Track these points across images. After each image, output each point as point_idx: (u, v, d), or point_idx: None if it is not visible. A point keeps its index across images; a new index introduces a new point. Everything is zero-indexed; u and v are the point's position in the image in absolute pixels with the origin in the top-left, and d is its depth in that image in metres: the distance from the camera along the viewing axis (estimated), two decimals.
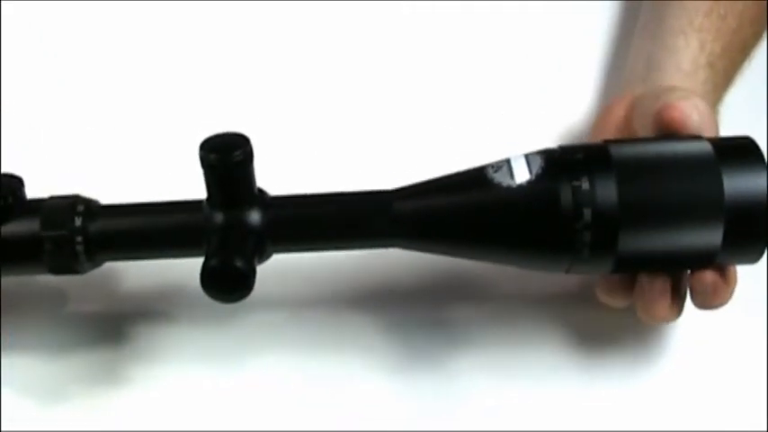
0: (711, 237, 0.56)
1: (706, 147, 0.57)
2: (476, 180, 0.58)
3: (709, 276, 0.58)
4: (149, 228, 0.60)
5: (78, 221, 0.59)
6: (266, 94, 0.72)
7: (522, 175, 0.57)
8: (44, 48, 0.73)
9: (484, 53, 0.72)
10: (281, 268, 0.62)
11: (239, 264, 0.55)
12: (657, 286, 0.59)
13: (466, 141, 0.69)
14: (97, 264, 0.61)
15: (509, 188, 0.57)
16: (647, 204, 0.56)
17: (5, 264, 0.60)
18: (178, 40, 0.73)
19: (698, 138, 0.58)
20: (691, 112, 0.58)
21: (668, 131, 0.58)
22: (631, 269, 0.59)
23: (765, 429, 0.65)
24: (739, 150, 0.57)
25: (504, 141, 0.66)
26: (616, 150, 0.57)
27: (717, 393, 0.66)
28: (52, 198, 0.60)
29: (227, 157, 0.56)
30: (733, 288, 0.59)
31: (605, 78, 0.72)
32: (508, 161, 0.58)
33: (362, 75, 0.72)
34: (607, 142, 0.59)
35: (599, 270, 0.59)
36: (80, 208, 0.59)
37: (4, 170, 0.68)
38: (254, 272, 0.56)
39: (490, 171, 0.58)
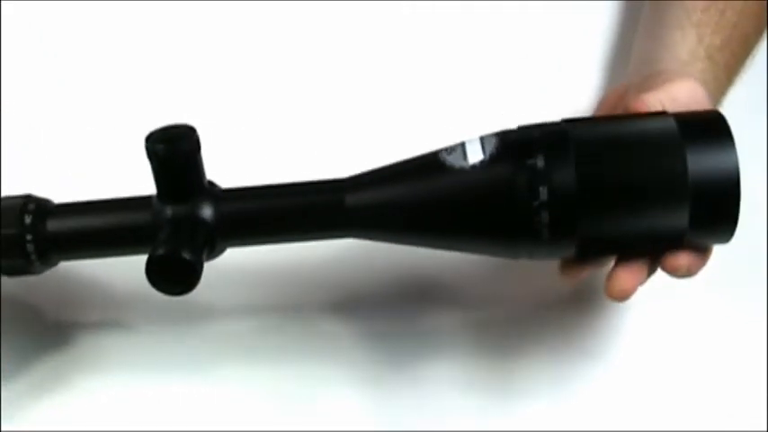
0: (677, 217, 0.54)
1: (669, 123, 0.55)
2: (429, 165, 0.56)
3: (682, 259, 0.55)
4: (99, 226, 0.59)
5: (28, 220, 0.59)
6: (264, 92, 0.72)
7: (475, 155, 0.55)
8: (44, 48, 0.73)
9: (484, 53, 0.72)
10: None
11: (186, 255, 0.54)
12: (633, 270, 0.56)
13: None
14: (50, 264, 0.61)
15: (462, 170, 0.55)
16: (606, 183, 0.54)
17: None
18: (177, 41, 0.73)
19: (662, 114, 0.56)
20: (656, 104, 0.57)
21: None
22: (596, 253, 0.57)
23: (765, 429, 0.65)
24: (706, 125, 0.55)
25: None
26: (574, 128, 0.56)
27: (717, 393, 0.66)
28: (4, 198, 0.60)
29: (173, 147, 0.55)
30: (709, 256, 0.57)
31: (606, 79, 0.72)
32: (462, 144, 0.56)
33: (360, 75, 0.72)
34: (566, 121, 0.57)
35: (562, 254, 0.56)
36: (31, 207, 0.59)
37: (4, 170, 0.68)
38: (201, 264, 0.55)
39: (443, 154, 0.56)
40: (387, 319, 0.66)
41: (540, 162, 0.54)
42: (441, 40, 0.72)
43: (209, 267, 0.56)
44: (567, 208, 0.54)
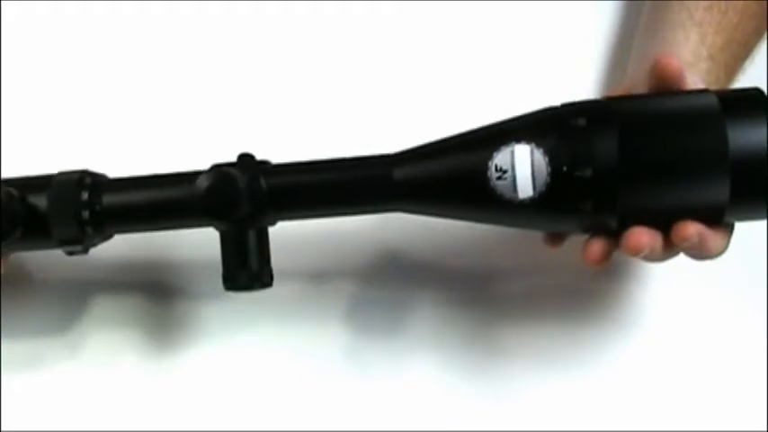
0: (718, 191, 0.54)
1: (711, 99, 0.55)
2: (477, 179, 0.56)
3: (692, 228, 0.55)
4: (153, 200, 0.61)
5: (85, 194, 0.60)
6: (272, 68, 0.72)
7: (525, 189, 0.55)
8: (44, 48, 0.73)
9: (485, 54, 0.72)
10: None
11: (263, 280, 0.59)
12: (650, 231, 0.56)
13: None
14: (105, 236, 0.62)
15: (511, 203, 0.56)
16: (648, 157, 0.54)
17: (15, 238, 0.60)
18: (177, 39, 0.73)
19: (704, 91, 0.57)
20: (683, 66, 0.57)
21: (665, 82, 0.57)
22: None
23: (765, 429, 0.65)
24: (747, 102, 0.55)
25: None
26: (617, 104, 0.56)
27: (716, 393, 0.66)
28: (61, 173, 0.61)
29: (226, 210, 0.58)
30: (728, 235, 0.57)
31: (606, 78, 0.72)
32: (512, 164, 0.56)
33: (362, 80, 0.72)
34: (609, 98, 0.58)
35: (604, 227, 0.57)
36: (87, 181, 0.61)
37: (4, 170, 0.68)
38: (271, 273, 0.60)
39: (493, 174, 0.56)
40: (400, 287, 0.68)
41: (583, 135, 0.55)
42: (441, 42, 0.72)
43: None
44: (610, 181, 0.54)
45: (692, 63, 0.63)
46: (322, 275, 0.69)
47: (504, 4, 0.72)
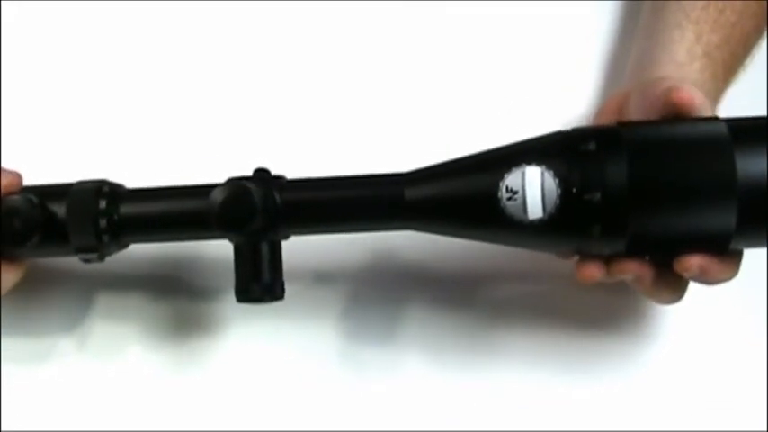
0: (725, 219, 0.55)
1: (720, 126, 0.56)
2: (488, 200, 0.57)
3: (693, 260, 0.56)
4: (170, 211, 0.62)
5: (103, 203, 0.61)
6: (280, 77, 0.72)
7: (535, 211, 0.56)
8: (44, 48, 0.73)
9: (485, 54, 0.72)
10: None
11: (275, 294, 0.60)
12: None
13: (468, 144, 0.69)
14: (122, 246, 0.63)
15: (521, 224, 0.56)
16: (657, 182, 0.55)
17: (33, 243, 0.61)
18: (178, 39, 0.73)
19: (713, 118, 0.57)
20: (695, 94, 0.57)
21: (675, 113, 0.58)
22: (644, 251, 0.58)
23: (765, 429, 0.65)
24: (756, 131, 0.56)
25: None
26: (627, 130, 0.57)
27: (716, 392, 0.66)
28: (79, 182, 0.62)
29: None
30: (735, 264, 0.57)
31: (606, 79, 0.72)
32: (523, 185, 0.56)
33: (364, 84, 0.72)
34: (619, 124, 0.58)
35: (610, 251, 0.57)
36: (105, 191, 0.61)
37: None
38: (282, 286, 0.60)
39: (503, 195, 0.56)
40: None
41: (593, 159, 0.55)
42: (443, 43, 0.72)
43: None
44: (619, 205, 0.55)
45: (686, 62, 0.63)
46: (318, 276, 0.69)
47: (503, 4, 0.72)
